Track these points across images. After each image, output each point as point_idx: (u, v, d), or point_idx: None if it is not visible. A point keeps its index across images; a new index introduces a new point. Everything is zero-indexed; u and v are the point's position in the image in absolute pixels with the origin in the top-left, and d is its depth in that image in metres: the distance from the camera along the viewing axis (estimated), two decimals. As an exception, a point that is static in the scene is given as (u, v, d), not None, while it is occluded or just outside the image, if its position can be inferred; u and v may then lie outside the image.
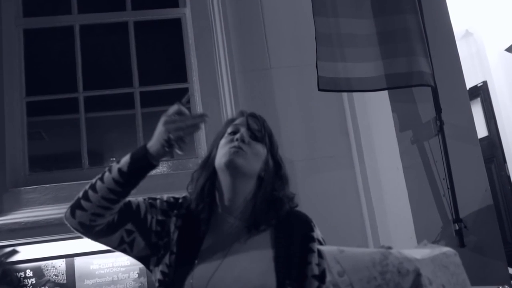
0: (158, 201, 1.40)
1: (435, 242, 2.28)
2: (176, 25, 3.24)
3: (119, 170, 1.26)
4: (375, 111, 2.69)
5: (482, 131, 4.28)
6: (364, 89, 2.36)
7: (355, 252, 1.15)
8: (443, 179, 2.37)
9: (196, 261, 1.30)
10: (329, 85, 2.27)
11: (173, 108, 1.26)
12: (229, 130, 1.43)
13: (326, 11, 2.34)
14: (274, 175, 1.42)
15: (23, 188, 2.82)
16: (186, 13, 3.23)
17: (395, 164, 2.46)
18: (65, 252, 2.76)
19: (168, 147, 1.24)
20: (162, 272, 1.32)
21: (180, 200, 1.43)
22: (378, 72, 2.31)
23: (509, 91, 4.44)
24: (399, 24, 2.35)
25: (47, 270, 2.74)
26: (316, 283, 1.32)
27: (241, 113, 1.48)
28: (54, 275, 2.74)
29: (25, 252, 2.75)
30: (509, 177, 4.29)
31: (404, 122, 2.48)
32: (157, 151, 1.26)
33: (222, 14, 3.02)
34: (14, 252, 2.74)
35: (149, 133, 1.30)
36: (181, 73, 3.17)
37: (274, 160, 1.44)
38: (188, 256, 1.32)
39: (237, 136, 1.38)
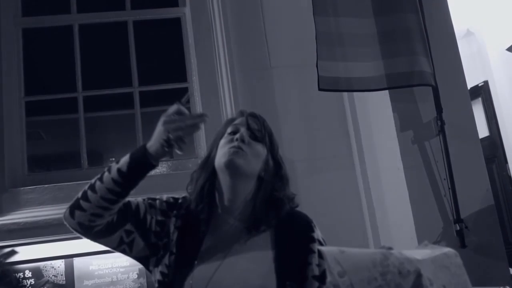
0: (157, 201, 1.40)
1: (436, 242, 2.27)
2: (175, 24, 3.24)
3: (118, 170, 1.25)
4: (376, 111, 2.69)
5: (483, 131, 4.27)
6: (364, 88, 2.35)
7: (355, 252, 1.15)
8: (444, 179, 2.36)
9: (196, 262, 1.29)
10: (329, 85, 2.26)
11: (173, 108, 1.26)
12: (229, 130, 1.42)
13: (326, 11, 2.33)
14: (274, 175, 1.41)
15: (22, 188, 2.81)
16: (186, 13, 3.22)
17: (396, 164, 2.45)
18: (64, 253, 2.75)
19: (168, 147, 1.23)
20: (162, 273, 1.32)
21: (180, 201, 1.42)
22: (379, 71, 2.30)
23: (510, 90, 4.44)
24: (400, 24, 2.35)
25: (46, 270, 2.73)
26: (316, 284, 1.31)
27: (241, 113, 1.47)
28: (53, 275, 2.73)
29: (24, 252, 2.74)
30: (510, 177, 4.28)
31: (405, 122, 2.47)
32: (157, 151, 1.25)
33: (222, 13, 3.02)
34: (13, 252, 2.73)
35: (148, 133, 1.30)
36: (180, 73, 3.16)
37: (274, 160, 1.43)
38: (187, 256, 1.31)
39: (237, 136, 1.37)
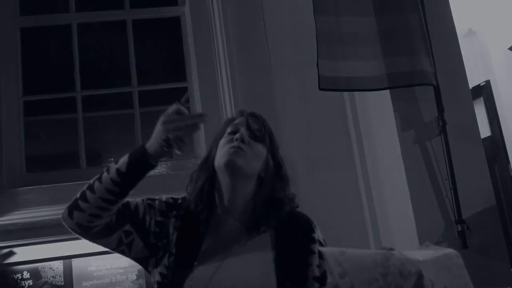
0: (156, 202, 1.39)
1: (438, 243, 2.27)
2: (175, 23, 3.23)
3: (117, 170, 1.25)
4: (377, 111, 2.68)
5: (485, 131, 4.25)
6: (365, 88, 2.34)
7: (356, 253, 1.14)
8: (446, 179, 2.35)
9: (195, 263, 1.29)
10: (330, 84, 2.25)
11: (172, 108, 1.25)
12: (229, 129, 1.42)
13: (327, 9, 2.32)
14: (274, 175, 1.40)
15: (20, 188, 2.79)
16: (185, 12, 3.21)
17: (397, 164, 2.44)
18: (62, 254, 2.74)
19: (167, 147, 1.23)
20: (161, 274, 1.31)
21: (179, 201, 1.42)
22: (380, 71, 2.29)
23: (513, 90, 4.43)
24: (401, 23, 2.34)
25: (44, 271, 2.72)
26: (316, 285, 1.31)
27: (241, 113, 1.47)
28: (51, 276, 2.72)
29: (22, 253, 2.73)
30: (512, 177, 4.27)
31: (406, 121, 2.46)
32: (156, 151, 1.24)
33: (221, 12, 3.01)
34: (11, 253, 2.72)
35: (148, 133, 1.29)
36: (180, 72, 3.15)
37: (275, 160, 1.42)
38: (187, 257, 1.30)
39: (237, 136, 1.37)
